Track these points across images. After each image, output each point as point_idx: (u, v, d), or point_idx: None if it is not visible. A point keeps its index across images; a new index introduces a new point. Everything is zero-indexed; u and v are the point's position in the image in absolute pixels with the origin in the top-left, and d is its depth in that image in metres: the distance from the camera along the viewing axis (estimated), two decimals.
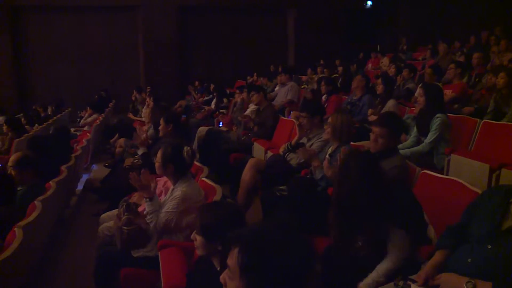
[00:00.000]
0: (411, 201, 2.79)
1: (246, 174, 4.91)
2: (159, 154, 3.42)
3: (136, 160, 5.11)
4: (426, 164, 4.21)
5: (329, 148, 4.32)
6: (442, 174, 3.90)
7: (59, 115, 11.29)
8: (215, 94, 10.16)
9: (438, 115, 4.54)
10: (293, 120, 5.88)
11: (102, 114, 10.11)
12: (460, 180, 3.12)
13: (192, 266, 2.74)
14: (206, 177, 3.85)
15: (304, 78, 11.35)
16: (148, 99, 9.21)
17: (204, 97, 11.31)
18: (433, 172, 3.49)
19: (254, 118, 6.70)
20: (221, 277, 1.45)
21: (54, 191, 4.08)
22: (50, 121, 9.96)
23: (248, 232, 1.44)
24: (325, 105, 6.94)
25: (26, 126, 8.37)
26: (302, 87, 9.53)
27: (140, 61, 14.90)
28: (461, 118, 5.27)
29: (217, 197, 3.35)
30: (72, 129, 8.97)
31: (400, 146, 4.53)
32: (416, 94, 6.05)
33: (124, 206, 3.27)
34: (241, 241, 1.39)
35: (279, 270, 1.34)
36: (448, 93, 6.12)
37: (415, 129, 4.85)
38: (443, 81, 7.06)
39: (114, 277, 3.25)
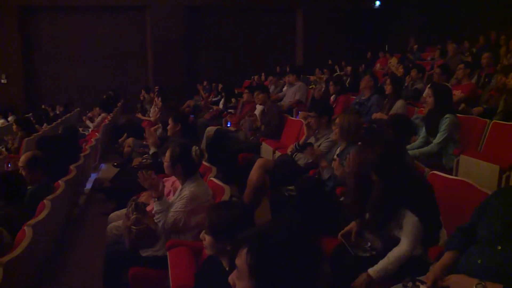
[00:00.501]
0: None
1: (254, 174, 4.91)
2: (167, 154, 3.42)
3: (145, 160, 5.13)
4: (435, 165, 4.18)
5: (337, 148, 4.32)
6: (451, 175, 3.88)
7: (68, 115, 11.35)
8: (223, 94, 10.16)
9: (447, 115, 4.50)
10: (302, 120, 5.88)
11: (111, 114, 10.15)
12: (469, 181, 3.10)
13: (201, 266, 2.74)
14: (214, 177, 3.85)
15: (312, 78, 11.34)
16: (156, 99, 9.23)
17: (212, 96, 11.31)
18: (442, 173, 3.47)
19: (260, 117, 6.72)
20: (229, 278, 1.44)
21: (63, 190, 4.11)
22: (59, 120, 10.03)
23: (257, 232, 1.44)
24: (334, 105, 6.92)
25: (36, 126, 8.42)
26: (310, 87, 9.51)
27: (148, 61, 14.96)
28: (471, 118, 5.23)
29: (225, 197, 3.35)
30: (80, 129, 9.01)
31: (408, 146, 4.51)
32: (424, 95, 6.02)
33: (133, 205, 3.28)
34: (249, 241, 1.38)
35: (288, 270, 1.33)
36: (457, 93, 6.08)
37: (423, 129, 4.82)
38: (451, 81, 7.02)
39: (122, 276, 3.26)
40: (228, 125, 7.63)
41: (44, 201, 3.59)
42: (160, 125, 6.58)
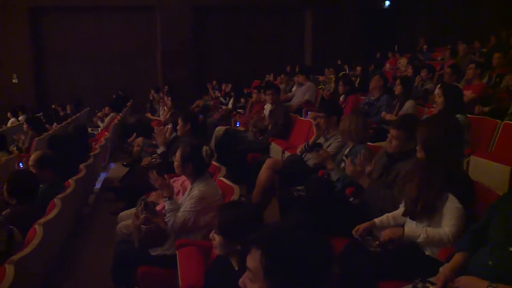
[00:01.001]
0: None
1: (263, 174, 4.92)
2: (178, 153, 3.43)
3: (154, 159, 5.15)
4: None
5: (346, 148, 4.32)
6: None
7: (77, 114, 11.41)
8: (232, 93, 10.17)
9: (457, 116, 4.47)
10: (311, 120, 5.87)
11: (120, 114, 10.20)
12: (480, 182, 3.08)
13: (210, 265, 2.74)
14: (223, 177, 3.86)
15: (321, 78, 11.30)
16: (166, 99, 9.25)
17: (222, 94, 11.32)
18: None
19: (268, 117, 6.72)
20: (240, 281, 1.42)
21: (73, 189, 4.13)
22: (69, 120, 10.08)
23: (269, 233, 1.43)
24: (343, 106, 6.91)
25: (46, 125, 8.47)
26: (319, 87, 9.49)
27: (158, 60, 14.98)
28: (481, 119, 5.19)
29: (235, 196, 3.35)
30: (89, 129, 9.05)
31: None
32: (434, 95, 5.99)
33: (142, 204, 3.29)
34: (263, 242, 1.37)
35: (302, 271, 1.33)
36: (468, 93, 6.04)
37: None
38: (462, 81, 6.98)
39: (132, 275, 3.27)
40: (237, 125, 7.64)
41: (55, 200, 3.61)
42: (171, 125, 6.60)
